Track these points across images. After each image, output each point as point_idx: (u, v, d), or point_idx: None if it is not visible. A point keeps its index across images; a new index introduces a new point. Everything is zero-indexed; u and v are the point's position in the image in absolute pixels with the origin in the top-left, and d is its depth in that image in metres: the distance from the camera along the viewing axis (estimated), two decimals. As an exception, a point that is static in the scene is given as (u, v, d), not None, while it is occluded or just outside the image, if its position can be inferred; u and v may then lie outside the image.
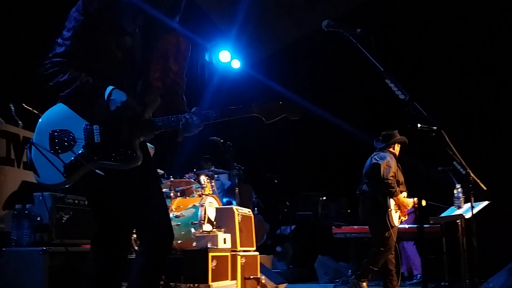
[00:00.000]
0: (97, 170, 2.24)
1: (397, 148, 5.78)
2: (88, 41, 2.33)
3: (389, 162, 5.51)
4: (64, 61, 2.30)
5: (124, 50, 2.35)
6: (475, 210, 5.11)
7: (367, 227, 6.78)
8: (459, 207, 5.59)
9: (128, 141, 2.30)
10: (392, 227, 5.40)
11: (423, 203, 5.76)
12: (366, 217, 5.72)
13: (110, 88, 2.26)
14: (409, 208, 5.64)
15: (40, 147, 2.30)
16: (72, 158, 2.26)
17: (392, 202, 5.45)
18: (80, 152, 2.27)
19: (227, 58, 9.44)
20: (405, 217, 5.68)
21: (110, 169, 2.27)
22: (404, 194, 5.69)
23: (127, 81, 2.35)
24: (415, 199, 5.63)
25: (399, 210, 5.58)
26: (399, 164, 5.72)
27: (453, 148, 4.11)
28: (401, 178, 5.70)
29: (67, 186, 2.34)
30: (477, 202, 5.45)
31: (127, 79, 2.36)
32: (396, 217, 5.49)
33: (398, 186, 5.56)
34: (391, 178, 5.43)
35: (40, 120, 2.39)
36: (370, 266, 5.48)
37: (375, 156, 5.66)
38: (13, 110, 4.32)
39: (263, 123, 2.37)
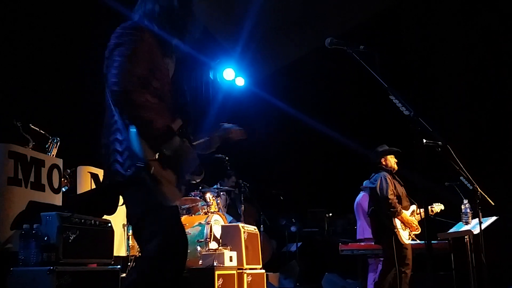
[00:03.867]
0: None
1: (387, 162, 5.76)
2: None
3: (382, 182, 5.51)
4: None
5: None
6: (483, 226, 5.08)
7: (373, 243, 6.79)
8: (467, 223, 5.56)
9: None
10: (402, 244, 5.38)
11: (436, 209, 5.78)
12: (377, 238, 5.76)
13: None
14: (414, 225, 5.61)
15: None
16: None
17: (397, 221, 5.44)
18: None
19: (231, 76, 9.49)
20: (417, 231, 5.64)
21: None
22: (413, 207, 5.69)
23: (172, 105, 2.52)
24: (420, 210, 5.68)
25: (408, 227, 5.55)
26: (397, 178, 5.72)
27: (460, 163, 4.10)
28: (402, 191, 5.70)
29: None
30: (485, 218, 5.41)
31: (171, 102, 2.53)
32: (405, 235, 5.46)
33: (400, 201, 5.55)
34: (391, 196, 5.41)
35: None
36: (380, 284, 5.45)
37: (371, 180, 5.70)
38: (20, 128, 4.33)
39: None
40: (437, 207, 5.88)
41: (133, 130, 2.27)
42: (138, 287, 2.32)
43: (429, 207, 5.81)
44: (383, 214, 5.47)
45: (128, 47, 2.36)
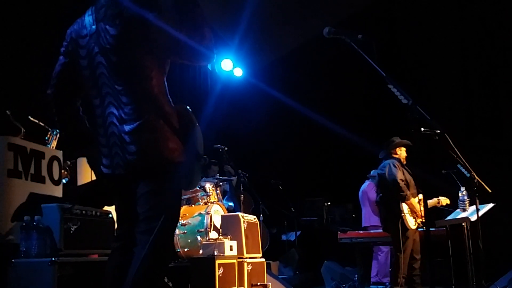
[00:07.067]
0: None
1: (400, 153, 5.81)
2: None
3: (391, 167, 5.56)
4: None
5: None
6: (480, 213, 5.13)
7: (372, 231, 6.81)
8: (464, 210, 5.61)
9: None
10: (407, 229, 5.43)
11: (444, 202, 5.83)
12: (384, 225, 5.83)
13: None
14: (420, 212, 5.65)
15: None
16: None
17: (405, 206, 5.48)
18: None
19: (229, 66, 9.48)
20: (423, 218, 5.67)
21: None
22: (421, 196, 5.72)
23: None
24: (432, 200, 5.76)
25: (414, 214, 5.58)
26: (406, 167, 5.76)
27: (457, 151, 4.13)
28: (411, 180, 5.74)
29: None
30: (482, 205, 5.46)
31: None
32: (411, 220, 5.50)
33: (408, 188, 5.59)
34: (400, 181, 5.47)
35: None
36: (395, 274, 5.50)
37: (379, 168, 5.77)
38: (11, 117, 4.30)
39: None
40: (444, 200, 5.92)
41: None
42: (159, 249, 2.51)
43: (437, 199, 5.86)
44: (391, 200, 5.53)
45: None
